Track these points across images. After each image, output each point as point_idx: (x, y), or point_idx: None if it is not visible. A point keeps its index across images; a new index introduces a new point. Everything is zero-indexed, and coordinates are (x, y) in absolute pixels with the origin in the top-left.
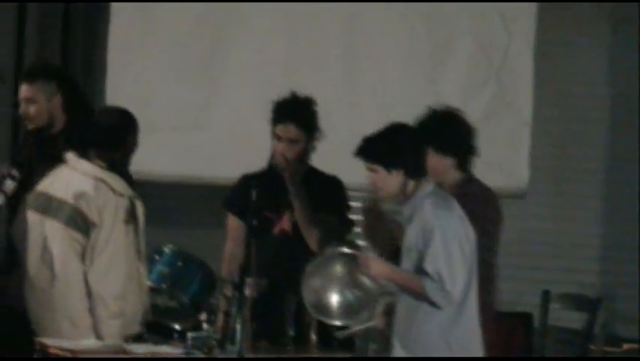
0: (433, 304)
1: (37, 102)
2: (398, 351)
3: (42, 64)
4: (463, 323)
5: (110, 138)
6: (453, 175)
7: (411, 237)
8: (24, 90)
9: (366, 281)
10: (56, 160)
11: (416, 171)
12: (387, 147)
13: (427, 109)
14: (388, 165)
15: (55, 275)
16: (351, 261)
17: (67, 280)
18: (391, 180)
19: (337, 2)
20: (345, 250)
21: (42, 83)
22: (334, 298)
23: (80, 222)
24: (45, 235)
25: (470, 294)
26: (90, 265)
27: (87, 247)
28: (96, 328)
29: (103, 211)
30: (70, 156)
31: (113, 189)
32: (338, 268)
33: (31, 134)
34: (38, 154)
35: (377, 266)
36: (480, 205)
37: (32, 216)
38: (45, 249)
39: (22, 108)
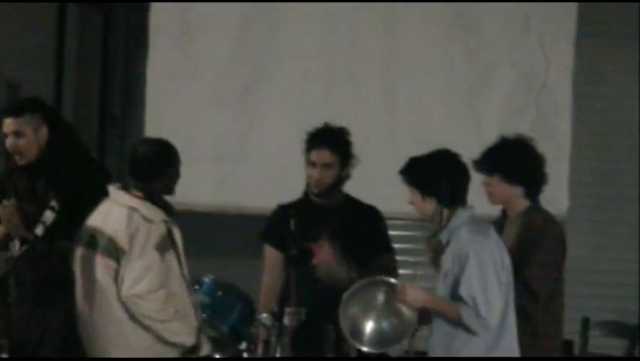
0: (468, 330)
1: (24, 135)
2: None
3: (26, 99)
4: (501, 349)
5: (148, 168)
6: (520, 204)
7: (447, 263)
8: (10, 124)
9: (403, 309)
10: (43, 195)
11: (451, 200)
12: (423, 173)
13: (499, 137)
14: (423, 191)
15: (96, 305)
16: (389, 289)
17: (108, 307)
18: (425, 206)
19: (376, 34)
20: (383, 278)
21: (28, 116)
22: (370, 326)
23: (113, 251)
24: (87, 267)
25: (508, 320)
26: (121, 290)
27: (119, 273)
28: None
29: (133, 238)
30: (111, 189)
31: (144, 217)
32: (375, 296)
33: (20, 168)
34: (26, 189)
35: (413, 293)
36: (539, 236)
37: (79, 250)
38: (88, 281)
39: (10, 142)
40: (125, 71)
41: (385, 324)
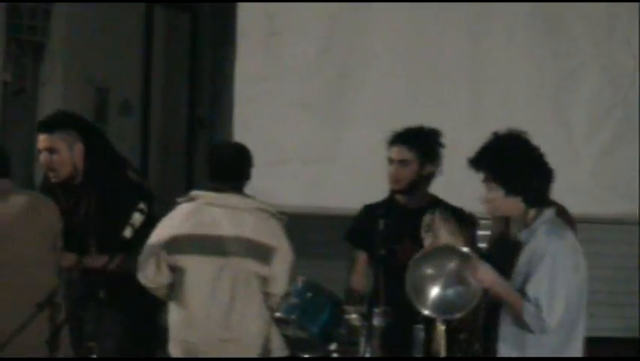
0: (525, 325)
1: (58, 152)
2: None
3: (58, 113)
4: (569, 351)
5: (239, 169)
6: None
7: (522, 259)
8: (44, 140)
9: (471, 280)
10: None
11: (536, 199)
12: (510, 169)
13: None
14: (507, 189)
15: (239, 308)
16: (462, 259)
17: (253, 308)
18: (508, 203)
19: (463, 35)
20: (458, 246)
21: (60, 132)
22: (435, 291)
23: (264, 254)
24: (228, 274)
25: (579, 324)
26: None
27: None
28: None
29: (277, 237)
30: (212, 195)
31: (272, 214)
32: (446, 262)
33: (55, 186)
34: (68, 206)
35: (485, 271)
36: None
37: (207, 261)
38: (233, 286)
39: (44, 158)
40: (212, 72)
41: (451, 292)
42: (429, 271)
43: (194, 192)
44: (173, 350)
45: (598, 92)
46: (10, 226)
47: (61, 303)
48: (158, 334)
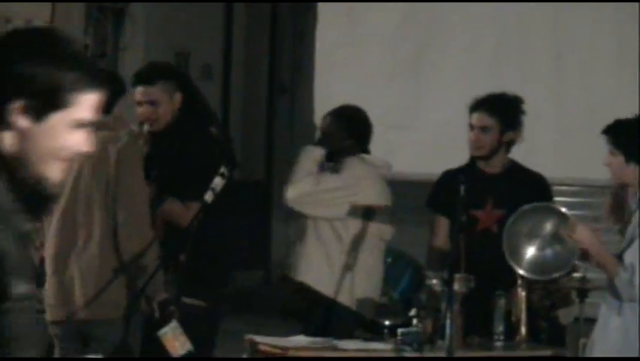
0: (615, 291)
1: (160, 103)
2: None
3: (155, 65)
4: None
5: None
6: None
7: (632, 226)
8: (143, 93)
9: (568, 242)
10: (164, 158)
11: None
12: (632, 137)
13: None
14: (628, 156)
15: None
16: (559, 219)
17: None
18: (627, 170)
19: (546, 6)
20: (557, 206)
21: (162, 83)
22: (531, 251)
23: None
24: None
25: None
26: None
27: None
28: None
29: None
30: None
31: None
32: (543, 222)
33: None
34: (151, 155)
35: (583, 232)
36: None
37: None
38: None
39: (143, 111)
40: (293, 39)
41: (548, 252)
42: (525, 229)
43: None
44: None
45: None
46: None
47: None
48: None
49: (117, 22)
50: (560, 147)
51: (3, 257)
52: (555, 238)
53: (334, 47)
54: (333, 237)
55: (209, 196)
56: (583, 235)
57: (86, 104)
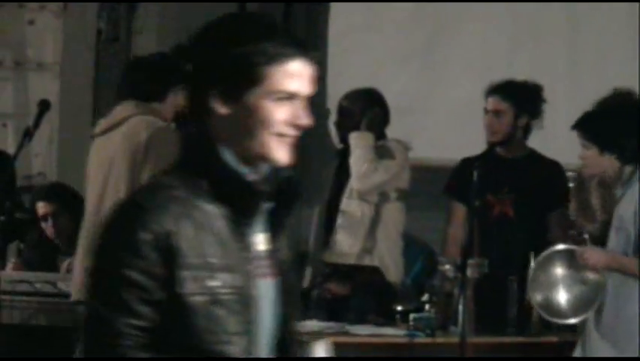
0: None
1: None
2: (597, 342)
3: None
4: None
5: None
6: None
7: (622, 216)
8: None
9: (588, 274)
10: None
11: (632, 157)
12: (604, 126)
13: None
14: (601, 146)
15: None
16: (570, 256)
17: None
18: (602, 162)
19: None
20: (561, 246)
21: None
22: (562, 297)
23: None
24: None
25: None
26: None
27: None
28: None
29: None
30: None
31: None
32: (559, 266)
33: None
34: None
35: (594, 256)
36: None
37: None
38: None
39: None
40: (306, 25)
41: (577, 291)
42: (546, 282)
43: None
44: None
45: None
46: None
47: None
48: None
49: (130, 6)
50: (574, 135)
51: None
52: (574, 274)
53: (347, 32)
54: (367, 219)
55: None
56: (596, 258)
57: (285, 74)
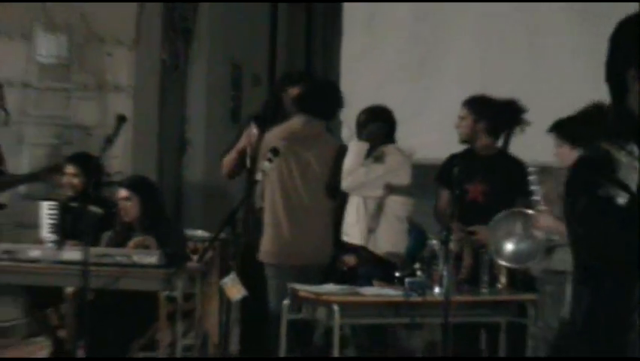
0: None
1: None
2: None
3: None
4: None
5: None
6: None
7: None
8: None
9: (537, 234)
10: None
11: None
12: (575, 127)
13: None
14: (573, 143)
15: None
16: (528, 218)
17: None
18: (573, 155)
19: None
20: (521, 209)
21: None
22: (510, 247)
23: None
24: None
25: None
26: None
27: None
28: None
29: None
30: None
31: None
32: (515, 224)
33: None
34: None
35: (543, 220)
36: None
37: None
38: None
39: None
40: (324, 51)
41: (523, 245)
42: (502, 233)
43: None
44: None
45: None
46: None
47: None
48: None
49: (186, 41)
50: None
51: None
52: (526, 234)
53: (356, 56)
54: (373, 210)
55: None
56: (544, 222)
57: None
